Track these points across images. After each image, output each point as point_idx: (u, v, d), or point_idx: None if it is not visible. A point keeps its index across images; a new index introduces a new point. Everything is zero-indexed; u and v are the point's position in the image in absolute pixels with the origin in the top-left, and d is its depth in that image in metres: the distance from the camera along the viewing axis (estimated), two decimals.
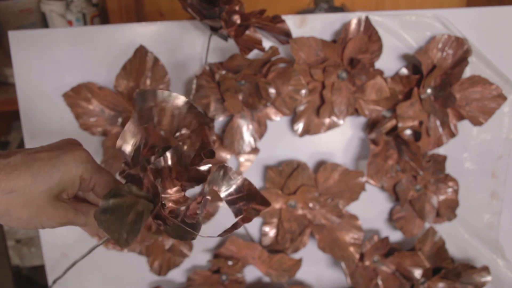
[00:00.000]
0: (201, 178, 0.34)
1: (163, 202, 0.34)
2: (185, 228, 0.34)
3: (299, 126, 0.63)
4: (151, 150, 0.34)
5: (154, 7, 1.02)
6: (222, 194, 0.35)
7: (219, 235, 0.33)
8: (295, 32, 0.61)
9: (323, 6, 0.89)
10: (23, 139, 0.67)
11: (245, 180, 0.35)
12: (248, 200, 0.35)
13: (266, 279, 0.72)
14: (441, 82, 0.63)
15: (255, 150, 0.65)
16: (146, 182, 0.33)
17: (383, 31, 0.61)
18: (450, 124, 0.64)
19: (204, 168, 0.34)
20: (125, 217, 0.32)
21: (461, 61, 0.62)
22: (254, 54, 0.61)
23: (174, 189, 0.35)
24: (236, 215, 0.35)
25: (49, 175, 0.34)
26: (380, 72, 0.62)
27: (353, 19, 0.60)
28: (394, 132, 0.64)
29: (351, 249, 0.68)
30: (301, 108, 0.63)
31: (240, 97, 0.60)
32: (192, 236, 0.34)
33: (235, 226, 0.34)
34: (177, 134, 0.35)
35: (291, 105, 0.61)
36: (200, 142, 0.34)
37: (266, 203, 0.35)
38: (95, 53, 0.60)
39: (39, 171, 0.34)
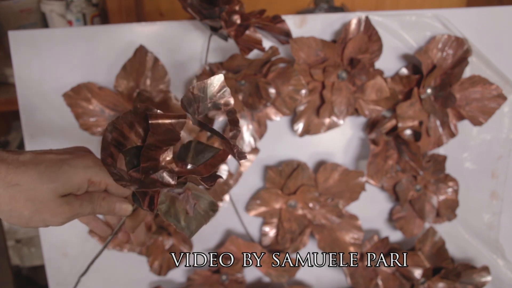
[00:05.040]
0: (173, 135, 0.34)
1: (172, 170, 0.35)
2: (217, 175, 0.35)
3: (299, 126, 0.63)
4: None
5: (154, 7, 1.02)
6: (200, 111, 0.35)
7: (232, 136, 0.34)
8: (295, 32, 0.61)
9: (323, 6, 0.89)
10: (23, 139, 0.67)
11: (192, 88, 0.35)
12: (209, 92, 0.35)
13: (266, 279, 0.72)
14: (441, 82, 0.63)
15: (255, 150, 0.65)
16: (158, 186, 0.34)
17: (383, 31, 0.61)
18: (450, 124, 0.64)
19: (165, 121, 0.34)
20: (196, 210, 0.36)
21: (461, 61, 0.62)
22: (254, 54, 0.61)
23: (165, 157, 0.35)
24: (220, 109, 0.35)
25: (55, 174, 0.34)
26: (380, 72, 0.62)
27: (353, 19, 0.60)
28: (394, 132, 0.64)
29: (351, 249, 0.68)
30: (301, 108, 0.63)
31: (240, 97, 0.60)
32: (243, 156, 0.34)
33: (230, 115, 0.34)
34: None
35: (291, 105, 0.61)
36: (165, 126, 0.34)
37: (218, 79, 0.35)
38: (95, 53, 0.60)
39: (45, 169, 0.34)
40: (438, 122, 0.64)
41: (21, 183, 0.33)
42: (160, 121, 0.33)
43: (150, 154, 0.33)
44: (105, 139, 0.33)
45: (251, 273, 0.71)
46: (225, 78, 0.59)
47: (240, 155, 0.33)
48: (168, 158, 0.35)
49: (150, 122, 0.33)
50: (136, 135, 0.34)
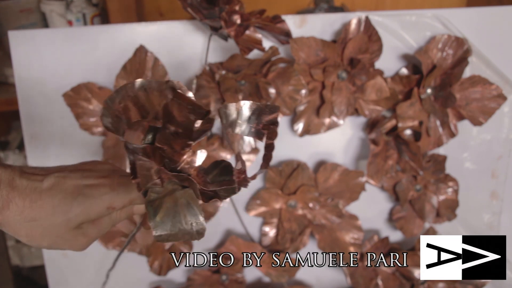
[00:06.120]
0: (206, 131, 0.32)
1: (189, 175, 0.33)
2: (234, 186, 0.33)
3: (299, 126, 0.63)
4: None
5: (154, 7, 1.02)
6: (238, 130, 0.34)
7: (256, 174, 0.33)
8: (295, 32, 0.61)
9: (323, 6, 0.89)
10: (23, 139, 0.67)
11: (243, 104, 0.34)
12: (258, 117, 0.33)
13: (266, 279, 0.72)
14: (441, 82, 0.63)
15: (255, 150, 0.65)
16: (164, 176, 0.33)
17: (383, 31, 0.61)
18: (450, 124, 0.64)
19: (199, 124, 0.32)
20: (179, 218, 0.32)
21: (461, 61, 0.62)
22: (254, 54, 0.61)
23: (185, 156, 0.33)
24: (261, 139, 0.34)
25: (68, 207, 0.34)
26: (380, 72, 0.62)
27: (353, 19, 0.60)
28: (394, 132, 0.64)
29: (351, 249, 0.68)
30: (301, 108, 0.63)
31: (240, 97, 0.60)
32: (244, 185, 0.33)
33: (268, 151, 0.32)
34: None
35: (291, 105, 0.61)
36: (181, 109, 0.32)
37: (275, 108, 0.33)
38: (95, 53, 0.60)
39: (59, 202, 0.34)
40: (438, 122, 0.64)
41: (37, 218, 0.33)
42: (182, 102, 0.31)
43: (169, 138, 0.32)
44: (128, 89, 0.31)
45: (251, 273, 0.71)
46: (225, 78, 0.59)
47: (241, 184, 0.32)
48: (191, 161, 0.34)
49: (173, 99, 0.31)
50: (162, 110, 0.32)
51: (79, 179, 0.36)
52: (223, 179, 0.34)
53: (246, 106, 0.34)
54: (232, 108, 0.33)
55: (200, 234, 0.33)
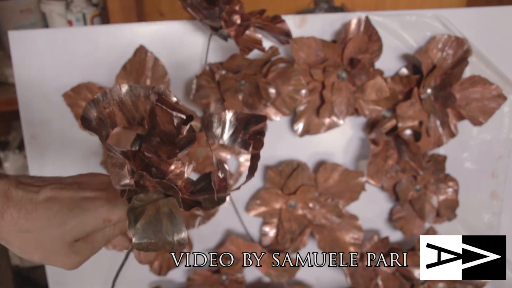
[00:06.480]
0: (191, 141, 0.32)
1: (176, 185, 0.32)
2: (215, 196, 0.32)
3: (299, 126, 0.63)
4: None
5: (154, 7, 1.02)
6: (222, 141, 0.34)
7: (240, 185, 0.32)
8: (295, 32, 0.61)
9: (323, 6, 0.89)
10: (23, 139, 0.67)
11: (228, 113, 0.33)
12: (245, 127, 0.33)
13: (266, 279, 0.72)
14: (441, 82, 0.63)
15: None
16: (148, 183, 0.32)
17: (383, 31, 0.61)
18: (450, 124, 0.64)
19: (187, 131, 0.31)
20: (160, 226, 0.32)
21: (461, 61, 0.62)
22: (254, 54, 0.61)
23: (172, 166, 0.33)
24: (247, 149, 0.33)
25: (64, 219, 0.34)
26: (380, 72, 0.62)
27: (353, 19, 0.60)
28: (394, 132, 0.64)
29: (351, 249, 0.68)
30: (301, 108, 0.63)
31: (240, 97, 0.60)
32: (225, 197, 0.33)
33: (254, 161, 0.32)
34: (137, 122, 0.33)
35: (291, 105, 0.61)
36: (164, 114, 0.31)
37: (262, 118, 0.33)
38: (95, 53, 0.60)
39: (55, 214, 0.33)
40: (438, 122, 0.64)
41: (31, 229, 0.33)
42: (164, 107, 0.30)
43: (155, 146, 0.31)
44: (114, 93, 0.30)
45: (251, 273, 0.71)
46: (225, 78, 0.59)
47: (221, 191, 0.32)
48: (180, 172, 0.33)
49: (155, 104, 0.30)
50: (148, 116, 0.31)
51: (76, 191, 0.35)
52: (208, 188, 0.33)
53: (231, 116, 0.33)
54: (216, 117, 0.33)
55: (181, 245, 0.32)
